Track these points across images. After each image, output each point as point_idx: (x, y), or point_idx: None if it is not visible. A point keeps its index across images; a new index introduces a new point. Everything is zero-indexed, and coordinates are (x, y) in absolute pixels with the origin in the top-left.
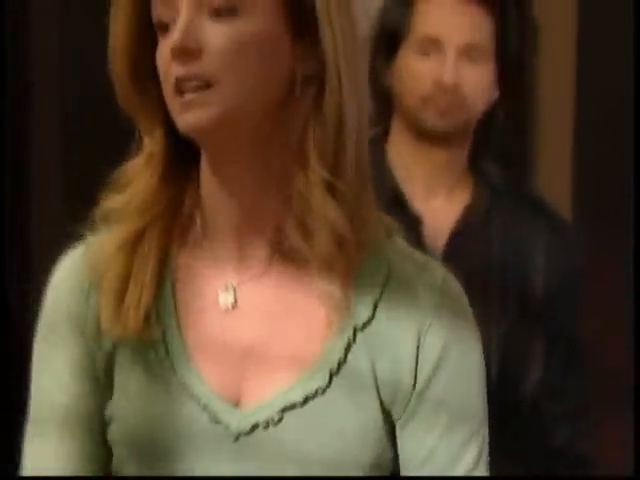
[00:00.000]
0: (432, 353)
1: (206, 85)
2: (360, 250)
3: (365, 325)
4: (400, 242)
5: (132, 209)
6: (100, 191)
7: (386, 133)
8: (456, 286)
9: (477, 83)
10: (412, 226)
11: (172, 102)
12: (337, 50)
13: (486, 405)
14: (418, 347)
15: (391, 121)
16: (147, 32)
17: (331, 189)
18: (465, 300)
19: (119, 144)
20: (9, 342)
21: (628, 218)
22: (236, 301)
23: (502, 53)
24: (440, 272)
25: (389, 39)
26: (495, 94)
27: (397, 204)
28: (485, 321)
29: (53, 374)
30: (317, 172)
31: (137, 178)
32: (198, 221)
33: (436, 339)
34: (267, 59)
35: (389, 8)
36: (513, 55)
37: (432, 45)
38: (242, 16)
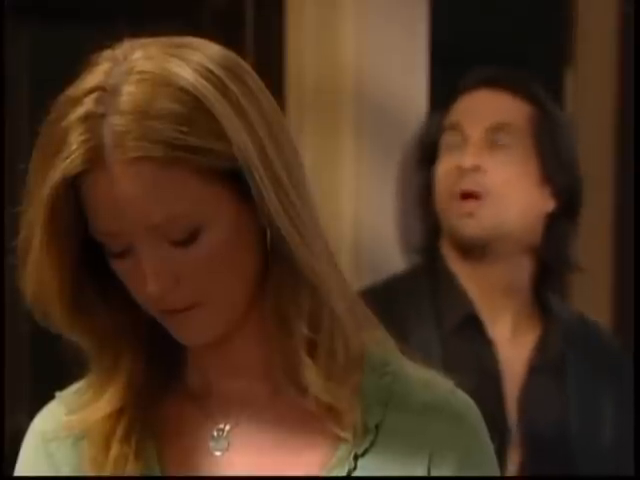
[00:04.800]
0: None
1: (193, 306)
2: (359, 373)
3: (367, 451)
4: (407, 359)
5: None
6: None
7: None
8: (465, 401)
9: (509, 171)
10: (484, 349)
11: (159, 317)
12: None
13: None
14: (429, 469)
15: (441, 242)
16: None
17: (312, 346)
18: (475, 416)
19: None
20: None
21: None
22: (229, 445)
23: (543, 141)
24: (447, 387)
25: (430, 152)
26: (548, 205)
27: (469, 325)
28: None
29: None
30: (297, 331)
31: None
32: (186, 376)
33: (447, 462)
34: (239, 247)
35: (428, 120)
36: (558, 147)
37: (458, 135)
38: (206, 233)
